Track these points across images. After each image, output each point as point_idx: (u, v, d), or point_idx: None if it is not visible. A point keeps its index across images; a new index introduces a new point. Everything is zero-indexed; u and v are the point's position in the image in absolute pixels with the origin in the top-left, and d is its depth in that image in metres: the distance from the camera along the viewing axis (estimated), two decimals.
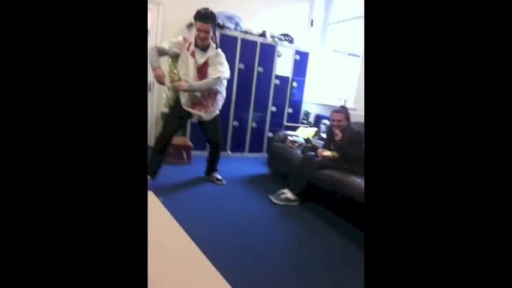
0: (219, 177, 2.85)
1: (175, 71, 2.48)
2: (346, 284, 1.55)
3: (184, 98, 2.47)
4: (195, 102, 2.50)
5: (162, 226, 0.78)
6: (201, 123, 2.64)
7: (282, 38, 4.04)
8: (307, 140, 3.07)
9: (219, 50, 2.49)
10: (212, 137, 2.69)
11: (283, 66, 4.06)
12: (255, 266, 1.62)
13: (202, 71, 2.42)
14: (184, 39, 2.44)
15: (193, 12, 3.55)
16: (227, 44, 3.62)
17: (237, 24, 3.74)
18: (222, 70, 2.43)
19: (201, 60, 2.40)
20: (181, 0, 3.67)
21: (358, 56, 3.86)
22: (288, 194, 2.55)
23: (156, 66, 2.33)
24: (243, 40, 3.72)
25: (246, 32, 3.77)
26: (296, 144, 3.11)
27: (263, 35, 3.87)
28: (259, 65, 3.88)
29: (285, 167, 3.02)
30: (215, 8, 3.66)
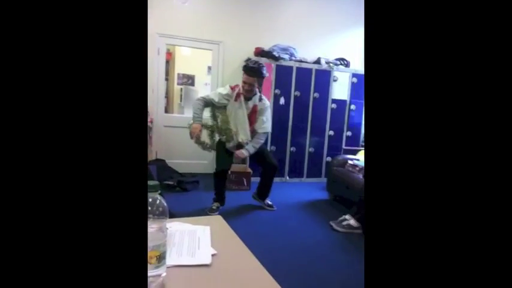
0: (270, 202, 2.88)
1: (217, 123, 2.69)
2: None
3: (229, 144, 2.67)
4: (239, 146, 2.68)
5: (230, 244, 0.85)
6: (253, 155, 2.75)
7: (338, 62, 4.06)
8: None
9: (266, 101, 2.70)
10: (269, 160, 2.76)
11: (340, 90, 4.04)
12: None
13: (250, 118, 2.62)
14: (232, 88, 2.62)
15: (251, 49, 3.87)
16: (282, 73, 3.79)
17: (292, 54, 3.90)
18: (268, 126, 2.68)
19: (248, 109, 2.61)
20: (238, 38, 4.00)
21: None
22: (350, 220, 2.44)
23: (197, 121, 2.54)
24: (298, 68, 3.85)
25: (300, 61, 3.90)
26: (357, 168, 3.00)
27: (318, 61, 3.95)
28: (315, 91, 3.93)
29: (345, 192, 2.92)
30: (271, 42, 3.93)
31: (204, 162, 4.12)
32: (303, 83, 3.89)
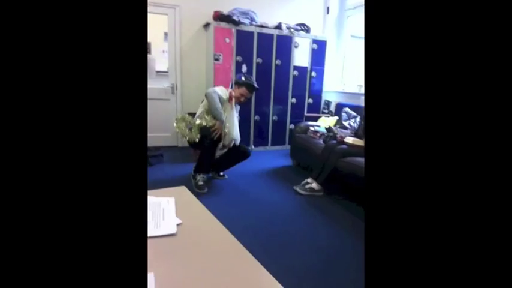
0: (222, 173, 2.93)
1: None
2: None
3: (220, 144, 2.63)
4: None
5: (196, 213, 0.86)
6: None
7: (298, 28, 4.02)
8: (328, 129, 3.06)
9: None
10: (243, 148, 2.79)
11: (301, 57, 4.05)
12: (277, 251, 1.68)
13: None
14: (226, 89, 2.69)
15: (209, 13, 3.66)
16: (243, 39, 3.67)
17: (252, 19, 3.77)
18: None
19: (237, 112, 2.76)
20: (196, 1, 3.75)
21: None
22: (312, 184, 2.58)
23: (223, 120, 2.51)
24: (259, 34, 3.75)
25: (261, 26, 3.79)
26: (318, 134, 3.12)
27: (279, 27, 3.87)
28: (276, 58, 3.89)
29: (307, 157, 3.05)
30: (230, 5, 3.74)
31: (167, 134, 4.00)
32: (265, 50, 3.82)
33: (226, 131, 2.56)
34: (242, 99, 2.65)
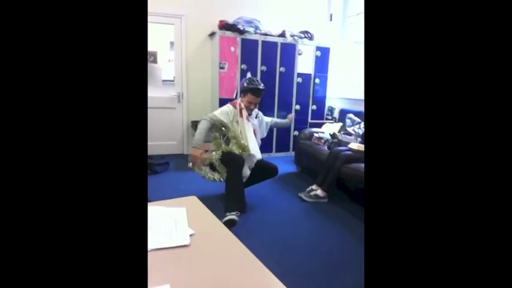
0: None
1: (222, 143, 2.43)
2: None
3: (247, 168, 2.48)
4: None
5: (207, 223, 0.89)
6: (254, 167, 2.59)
7: (302, 35, 4.07)
8: (333, 136, 3.09)
9: (259, 112, 2.71)
10: (271, 165, 2.65)
11: (304, 64, 4.09)
12: (284, 257, 1.70)
13: (255, 132, 2.58)
14: (233, 105, 2.50)
15: (214, 22, 3.73)
16: (248, 47, 3.73)
17: (256, 27, 3.83)
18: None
19: (253, 125, 2.55)
20: (201, 11, 3.82)
21: None
22: (317, 191, 2.59)
23: (197, 146, 2.28)
24: (263, 42, 3.80)
25: (266, 34, 3.84)
26: (322, 141, 3.14)
27: (283, 35, 3.93)
28: (280, 65, 3.94)
29: (312, 163, 3.07)
30: (235, 14, 3.81)
31: (172, 143, 4.05)
32: (269, 57, 3.87)
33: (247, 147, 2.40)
34: (252, 106, 2.47)
